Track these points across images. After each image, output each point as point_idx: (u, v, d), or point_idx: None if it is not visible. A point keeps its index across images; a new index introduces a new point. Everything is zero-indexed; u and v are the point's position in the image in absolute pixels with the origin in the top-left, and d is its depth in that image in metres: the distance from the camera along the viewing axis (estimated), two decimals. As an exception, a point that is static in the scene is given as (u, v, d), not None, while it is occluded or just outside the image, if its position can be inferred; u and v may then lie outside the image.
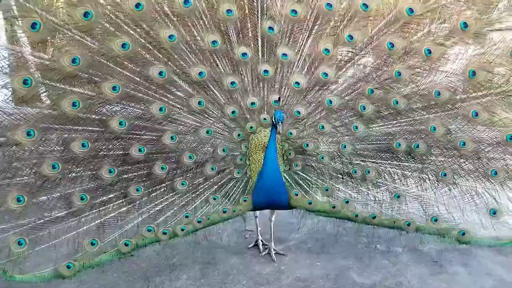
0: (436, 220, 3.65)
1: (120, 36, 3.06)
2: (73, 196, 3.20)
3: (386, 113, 3.59)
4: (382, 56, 3.48)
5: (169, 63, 3.29)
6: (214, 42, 3.29)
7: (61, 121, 3.10)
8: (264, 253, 4.04)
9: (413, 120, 3.55)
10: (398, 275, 3.64)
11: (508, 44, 3.25)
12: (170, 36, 3.17)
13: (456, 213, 3.64)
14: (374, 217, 3.66)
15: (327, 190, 3.72)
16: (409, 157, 3.64)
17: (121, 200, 3.38)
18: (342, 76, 3.62)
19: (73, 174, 3.23)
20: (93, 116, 3.19)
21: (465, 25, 3.22)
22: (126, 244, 3.32)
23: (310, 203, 3.66)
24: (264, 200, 3.61)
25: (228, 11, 3.25)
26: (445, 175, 3.58)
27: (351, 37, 3.38)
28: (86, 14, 2.92)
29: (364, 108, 3.51)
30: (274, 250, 4.03)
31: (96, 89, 3.13)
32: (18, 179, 3.07)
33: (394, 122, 3.60)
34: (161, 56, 3.26)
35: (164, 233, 3.42)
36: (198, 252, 4.07)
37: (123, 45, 3.06)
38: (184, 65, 3.33)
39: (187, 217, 3.49)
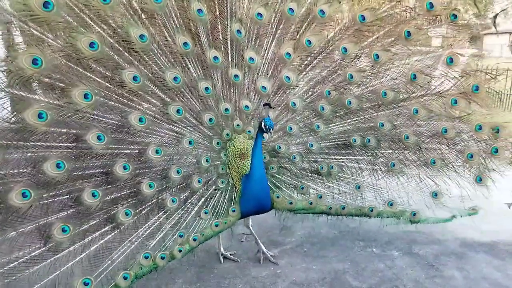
0: (391, 205, 4.09)
1: (87, 34, 2.79)
2: (52, 227, 2.79)
3: (342, 112, 3.88)
4: (336, 60, 3.75)
5: (141, 67, 3.10)
6: (185, 44, 3.22)
7: (26, 137, 2.69)
8: (261, 258, 4.03)
9: (364, 118, 3.90)
10: (394, 279, 3.68)
11: (445, 50, 3.78)
12: (141, 36, 3.00)
13: (405, 197, 4.08)
14: (343, 208, 3.99)
15: (302, 188, 3.92)
16: (362, 151, 4.00)
17: (107, 227, 3.06)
18: (303, 79, 3.80)
19: (48, 201, 2.80)
20: (65, 130, 2.84)
21: (409, 33, 3.62)
22: (124, 278, 3.04)
23: (291, 203, 3.82)
24: (253, 207, 3.65)
25: (199, 11, 3.20)
26: (393, 165, 4.00)
27: (309, 41, 3.58)
28: (46, 4, 2.61)
29: (323, 109, 3.77)
30: (268, 252, 4.08)
31: (65, 98, 2.79)
32: None
33: (349, 120, 3.92)
34: (132, 59, 3.06)
35: (162, 258, 3.23)
36: (194, 256, 3.94)
37: (91, 45, 2.80)
38: (157, 69, 3.19)
39: (181, 236, 3.37)
